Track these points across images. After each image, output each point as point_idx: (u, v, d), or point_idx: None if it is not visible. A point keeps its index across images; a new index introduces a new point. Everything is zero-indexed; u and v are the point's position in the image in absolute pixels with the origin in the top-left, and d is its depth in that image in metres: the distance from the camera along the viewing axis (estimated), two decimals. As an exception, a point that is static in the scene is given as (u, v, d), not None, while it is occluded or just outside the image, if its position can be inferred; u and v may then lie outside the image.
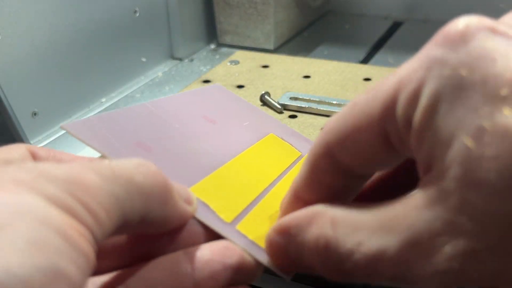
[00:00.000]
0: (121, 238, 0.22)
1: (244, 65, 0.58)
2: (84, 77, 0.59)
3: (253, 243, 0.23)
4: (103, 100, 0.61)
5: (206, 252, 0.21)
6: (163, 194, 0.20)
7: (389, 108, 0.18)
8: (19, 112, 0.52)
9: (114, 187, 0.18)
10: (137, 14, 0.65)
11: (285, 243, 0.21)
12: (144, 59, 0.68)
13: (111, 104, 0.61)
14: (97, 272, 0.21)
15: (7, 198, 0.15)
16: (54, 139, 0.55)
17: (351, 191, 0.22)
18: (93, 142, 0.25)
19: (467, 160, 0.15)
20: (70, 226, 0.16)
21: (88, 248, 0.16)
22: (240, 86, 0.53)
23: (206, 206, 0.24)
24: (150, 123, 0.30)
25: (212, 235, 0.22)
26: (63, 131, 0.56)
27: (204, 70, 0.69)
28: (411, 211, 0.16)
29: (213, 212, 0.23)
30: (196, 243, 0.22)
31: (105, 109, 0.60)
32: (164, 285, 0.20)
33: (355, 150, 0.19)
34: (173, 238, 0.22)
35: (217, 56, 0.73)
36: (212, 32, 0.77)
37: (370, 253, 0.17)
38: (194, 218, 0.22)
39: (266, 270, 0.22)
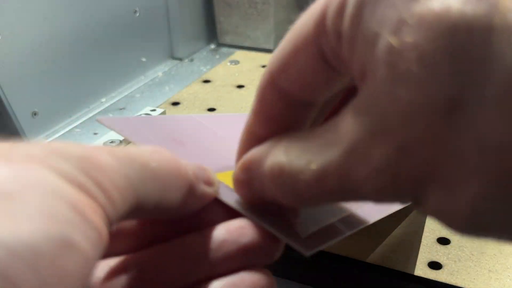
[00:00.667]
0: (136, 220, 0.22)
1: (244, 65, 0.58)
2: (84, 77, 0.59)
3: (273, 219, 0.22)
4: (103, 100, 0.61)
5: (222, 232, 0.21)
6: (179, 181, 0.20)
7: (320, 24, 0.18)
8: (19, 112, 0.52)
9: (128, 170, 0.18)
10: (137, 14, 0.65)
11: (249, 178, 0.21)
12: (144, 59, 0.68)
13: (111, 104, 0.61)
14: (110, 254, 0.21)
15: (18, 170, 0.15)
16: (54, 139, 0.55)
17: (301, 122, 0.21)
18: (127, 134, 0.25)
19: (390, 56, 0.15)
20: (82, 201, 0.15)
21: (100, 224, 0.16)
22: (240, 86, 0.53)
23: (228, 187, 0.23)
24: (189, 126, 0.30)
25: (233, 215, 0.22)
26: (63, 131, 0.56)
27: (204, 70, 0.69)
28: (347, 121, 0.17)
29: (234, 192, 0.23)
30: (215, 223, 0.21)
31: (105, 109, 0.60)
32: (177, 267, 0.20)
33: (296, 74, 0.19)
34: (190, 219, 0.21)
35: (217, 56, 0.73)
36: (212, 32, 0.77)
37: (317, 168, 0.18)
38: (215, 198, 0.22)
39: (285, 249, 0.22)
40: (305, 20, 0.19)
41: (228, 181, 0.24)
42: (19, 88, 0.52)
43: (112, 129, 0.26)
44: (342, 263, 0.31)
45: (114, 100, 0.61)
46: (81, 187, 0.16)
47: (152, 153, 0.19)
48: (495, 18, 0.14)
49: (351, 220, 0.24)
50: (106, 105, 0.60)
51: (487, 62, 0.14)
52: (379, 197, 0.17)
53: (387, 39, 0.15)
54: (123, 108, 0.59)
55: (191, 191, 0.20)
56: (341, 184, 0.17)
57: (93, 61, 0.60)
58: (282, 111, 0.21)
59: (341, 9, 0.17)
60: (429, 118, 0.15)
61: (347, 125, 0.17)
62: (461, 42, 0.14)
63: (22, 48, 0.51)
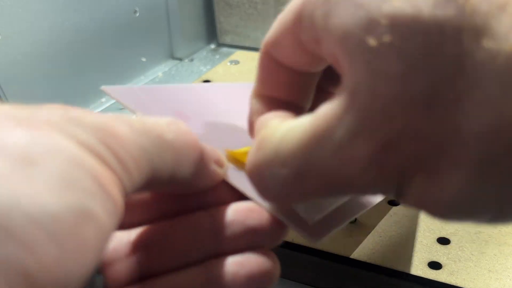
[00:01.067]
0: (147, 194, 0.22)
1: (244, 65, 0.58)
2: (84, 77, 0.59)
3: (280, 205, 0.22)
4: (103, 100, 0.62)
5: (230, 213, 0.21)
6: (193, 154, 0.20)
7: (297, 19, 0.19)
8: (19, 112, 0.52)
9: (144, 140, 0.18)
10: (137, 14, 0.65)
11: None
12: (144, 59, 0.68)
13: (111, 104, 0.61)
14: (120, 227, 0.21)
15: (40, 137, 0.15)
16: (54, 139, 0.55)
17: (305, 86, 0.23)
18: (130, 104, 0.25)
19: (368, 54, 0.16)
20: (100, 171, 0.16)
21: (117, 195, 0.16)
22: (240, 86, 0.53)
23: (236, 170, 0.24)
24: (193, 98, 0.30)
25: (240, 197, 0.22)
26: (63, 131, 0.56)
27: (204, 70, 0.69)
28: (331, 119, 0.17)
29: (244, 175, 0.23)
30: (223, 204, 0.22)
31: (105, 109, 0.60)
32: (184, 244, 0.21)
33: (283, 52, 0.21)
34: (200, 198, 0.22)
35: (217, 56, 0.73)
36: (212, 32, 0.77)
37: (296, 169, 0.18)
38: (224, 180, 0.22)
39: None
40: (287, 11, 0.20)
41: (238, 156, 0.24)
42: (19, 88, 0.52)
43: (115, 98, 0.26)
44: (342, 263, 0.31)
45: (114, 100, 0.61)
46: (99, 157, 0.16)
47: (168, 124, 0.19)
48: (463, 19, 0.15)
49: (352, 205, 0.24)
50: (106, 105, 0.61)
51: (458, 58, 0.15)
52: (363, 191, 0.18)
53: (361, 38, 0.16)
54: (123, 108, 0.59)
55: (203, 167, 0.21)
56: (324, 183, 0.18)
57: (93, 61, 0.60)
58: (280, 77, 0.22)
59: (314, 4, 0.18)
60: (410, 113, 0.15)
61: (332, 122, 0.17)
62: (434, 41, 0.15)
63: (22, 48, 0.51)
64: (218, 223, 0.21)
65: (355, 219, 0.34)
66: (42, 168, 0.14)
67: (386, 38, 0.15)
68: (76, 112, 0.17)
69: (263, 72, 0.23)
